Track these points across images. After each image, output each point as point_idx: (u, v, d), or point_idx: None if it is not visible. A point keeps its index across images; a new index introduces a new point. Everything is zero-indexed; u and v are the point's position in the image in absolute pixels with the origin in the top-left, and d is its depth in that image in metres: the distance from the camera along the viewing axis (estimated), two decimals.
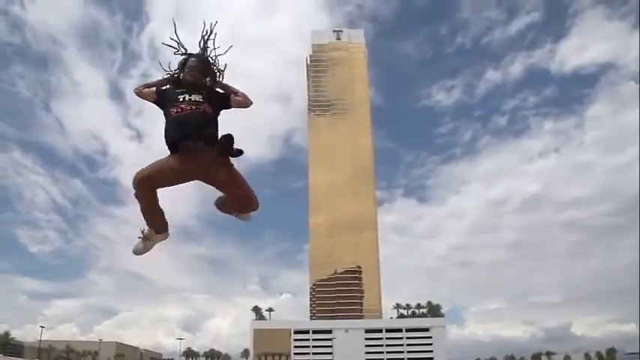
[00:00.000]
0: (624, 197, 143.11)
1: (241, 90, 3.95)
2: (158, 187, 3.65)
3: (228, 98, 3.91)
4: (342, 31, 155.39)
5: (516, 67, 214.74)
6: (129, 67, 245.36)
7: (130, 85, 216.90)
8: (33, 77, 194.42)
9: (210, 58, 4.06)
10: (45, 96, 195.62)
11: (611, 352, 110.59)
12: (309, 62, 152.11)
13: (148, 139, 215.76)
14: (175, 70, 4.04)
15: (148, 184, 3.59)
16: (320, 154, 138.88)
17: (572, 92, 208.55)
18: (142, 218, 3.79)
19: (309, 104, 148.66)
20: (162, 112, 3.85)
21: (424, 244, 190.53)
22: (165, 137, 3.69)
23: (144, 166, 3.64)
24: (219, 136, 3.65)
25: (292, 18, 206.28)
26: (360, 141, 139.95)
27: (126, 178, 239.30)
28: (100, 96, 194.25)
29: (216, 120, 3.81)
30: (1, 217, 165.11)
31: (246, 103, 3.94)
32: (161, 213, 3.82)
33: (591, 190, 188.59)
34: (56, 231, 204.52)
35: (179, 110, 3.69)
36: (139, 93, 3.93)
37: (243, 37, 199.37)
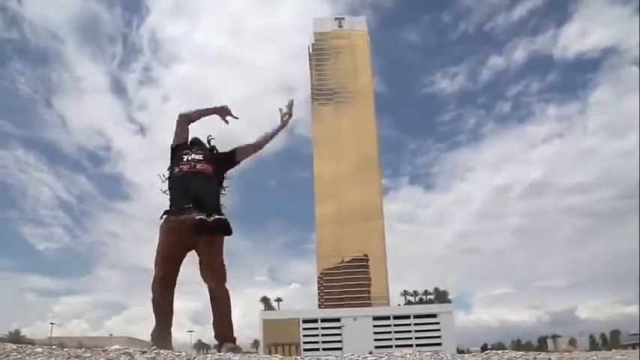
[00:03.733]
0: (628, 182, 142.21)
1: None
2: (173, 277, 3.60)
3: (233, 153, 3.86)
4: (343, 18, 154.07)
5: (519, 53, 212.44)
6: (130, 61, 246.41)
7: (131, 79, 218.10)
8: (33, 74, 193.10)
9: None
10: (46, 92, 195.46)
11: (615, 333, 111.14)
12: (311, 51, 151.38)
13: (151, 133, 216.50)
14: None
15: (163, 283, 3.59)
16: (324, 143, 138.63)
17: (576, 78, 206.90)
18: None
19: (312, 93, 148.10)
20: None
21: (430, 231, 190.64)
22: (170, 199, 3.65)
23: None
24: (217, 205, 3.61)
25: (293, 7, 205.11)
26: (365, 129, 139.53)
27: (130, 172, 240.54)
28: (101, 91, 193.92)
29: (218, 183, 3.77)
30: (6, 215, 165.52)
31: (254, 147, 3.92)
32: (169, 315, 3.60)
33: (595, 175, 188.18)
34: (62, 228, 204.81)
35: (179, 171, 3.66)
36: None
37: (244, 29, 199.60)
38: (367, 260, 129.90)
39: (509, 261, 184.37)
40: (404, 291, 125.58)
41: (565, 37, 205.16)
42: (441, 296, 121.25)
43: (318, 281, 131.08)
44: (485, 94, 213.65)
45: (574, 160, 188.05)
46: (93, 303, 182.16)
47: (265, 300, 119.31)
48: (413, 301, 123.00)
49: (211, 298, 3.47)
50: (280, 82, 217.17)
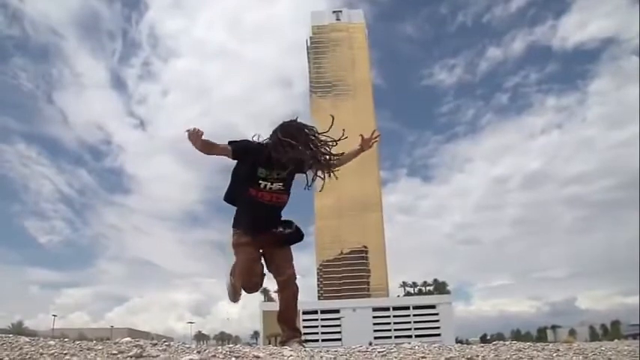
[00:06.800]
0: (628, 172, 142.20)
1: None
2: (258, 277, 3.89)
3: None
4: (341, 11, 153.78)
5: (518, 45, 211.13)
6: (130, 56, 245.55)
7: (131, 74, 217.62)
8: (34, 70, 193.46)
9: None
10: (47, 88, 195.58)
11: (616, 324, 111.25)
12: (309, 44, 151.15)
13: (151, 127, 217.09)
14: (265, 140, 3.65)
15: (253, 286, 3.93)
16: None
17: (575, 68, 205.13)
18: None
19: (310, 86, 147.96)
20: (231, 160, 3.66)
21: (429, 222, 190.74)
22: (240, 218, 3.71)
23: (234, 272, 3.86)
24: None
25: (291, 1, 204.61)
26: (363, 121, 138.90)
27: (130, 166, 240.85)
28: (101, 86, 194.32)
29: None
30: (9, 208, 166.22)
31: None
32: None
33: (595, 165, 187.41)
34: (64, 221, 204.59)
35: (257, 195, 3.58)
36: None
37: (243, 23, 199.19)
38: (366, 252, 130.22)
39: (508, 252, 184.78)
40: (403, 282, 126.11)
41: (564, 28, 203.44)
42: (440, 287, 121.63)
43: (318, 273, 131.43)
44: (484, 86, 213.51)
45: (573, 150, 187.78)
46: (94, 295, 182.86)
47: (265, 291, 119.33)
48: (412, 292, 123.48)
49: (284, 288, 3.83)
50: (279, 75, 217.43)
